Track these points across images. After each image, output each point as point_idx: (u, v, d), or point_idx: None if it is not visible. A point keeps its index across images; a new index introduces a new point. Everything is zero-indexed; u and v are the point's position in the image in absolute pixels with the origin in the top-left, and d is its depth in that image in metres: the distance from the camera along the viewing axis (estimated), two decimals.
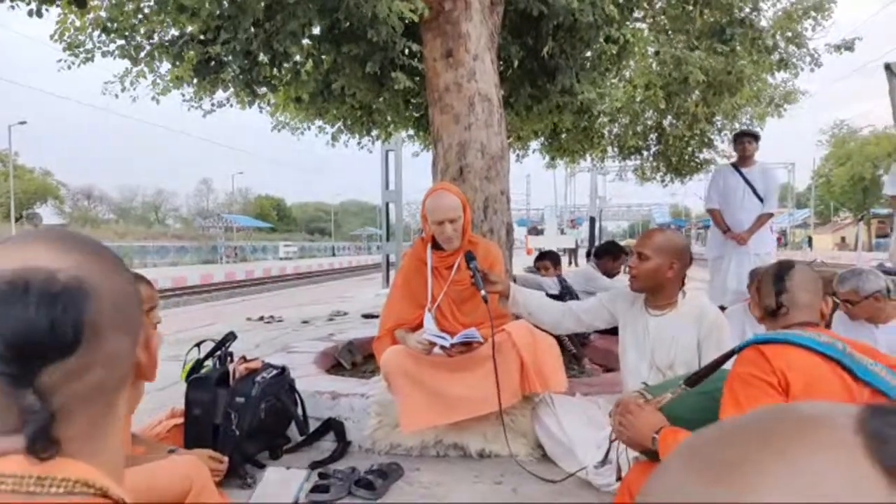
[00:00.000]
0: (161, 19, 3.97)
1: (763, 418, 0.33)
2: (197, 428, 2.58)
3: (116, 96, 4.79)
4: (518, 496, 2.49)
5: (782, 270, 1.61)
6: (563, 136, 7.65)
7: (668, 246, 2.32)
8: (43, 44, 4.56)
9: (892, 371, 1.38)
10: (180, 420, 2.63)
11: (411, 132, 7.32)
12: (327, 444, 3.00)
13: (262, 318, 6.86)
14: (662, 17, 5.60)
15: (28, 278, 0.56)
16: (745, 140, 5.02)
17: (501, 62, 4.68)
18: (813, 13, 5.47)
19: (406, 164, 10.17)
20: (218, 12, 3.68)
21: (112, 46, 4.23)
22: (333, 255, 51.44)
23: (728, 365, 1.54)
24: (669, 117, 7.86)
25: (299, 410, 2.95)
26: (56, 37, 4.23)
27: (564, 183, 32.71)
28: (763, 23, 5.45)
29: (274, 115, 6.60)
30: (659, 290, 2.36)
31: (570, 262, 21.00)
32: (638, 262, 2.33)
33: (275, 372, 2.90)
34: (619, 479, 1.86)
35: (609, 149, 9.19)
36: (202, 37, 4.11)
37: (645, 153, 9.28)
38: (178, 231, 52.02)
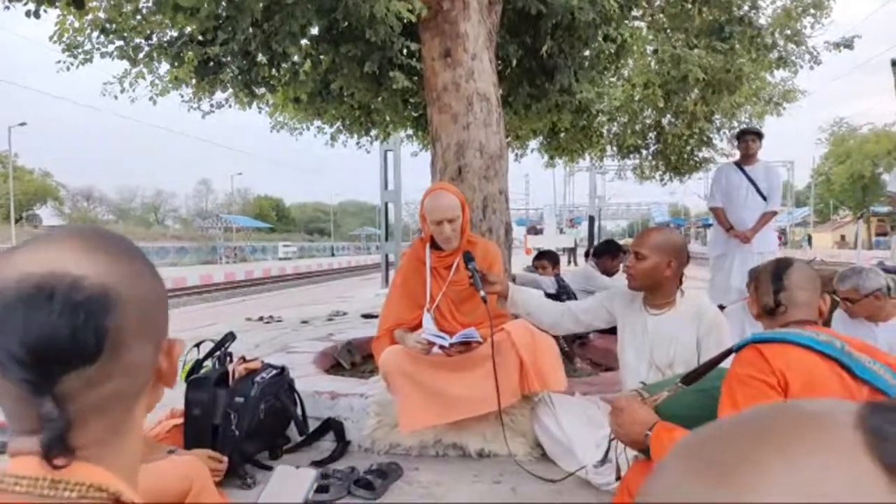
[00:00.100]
0: (159, 20, 3.97)
1: (762, 416, 0.33)
2: (196, 428, 2.58)
3: (116, 97, 4.80)
4: (517, 496, 2.49)
5: (780, 268, 1.61)
6: (562, 135, 7.65)
7: (666, 244, 2.32)
8: (42, 45, 4.56)
9: (890, 369, 1.38)
10: (180, 420, 2.63)
11: (410, 132, 7.32)
12: (327, 444, 3.00)
13: (261, 319, 6.85)
14: (661, 15, 5.59)
15: (54, 285, 0.55)
16: (748, 138, 5.00)
17: (500, 61, 4.68)
18: (812, 11, 5.46)
19: (405, 163, 10.15)
20: (216, 13, 3.68)
21: (111, 47, 4.23)
22: (332, 255, 51.40)
23: (726, 364, 1.54)
24: (668, 116, 7.86)
25: (298, 410, 2.95)
26: (55, 38, 4.23)
27: (563, 182, 32.73)
28: (762, 21, 5.45)
29: (273, 116, 6.60)
30: (657, 288, 2.36)
31: (569, 262, 20.97)
32: (635, 262, 2.33)
33: (274, 372, 2.90)
34: (618, 478, 1.85)
35: (608, 148, 9.19)
36: (200, 37, 4.11)
37: (644, 152, 9.28)
38: (178, 232, 52.06)
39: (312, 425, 3.01)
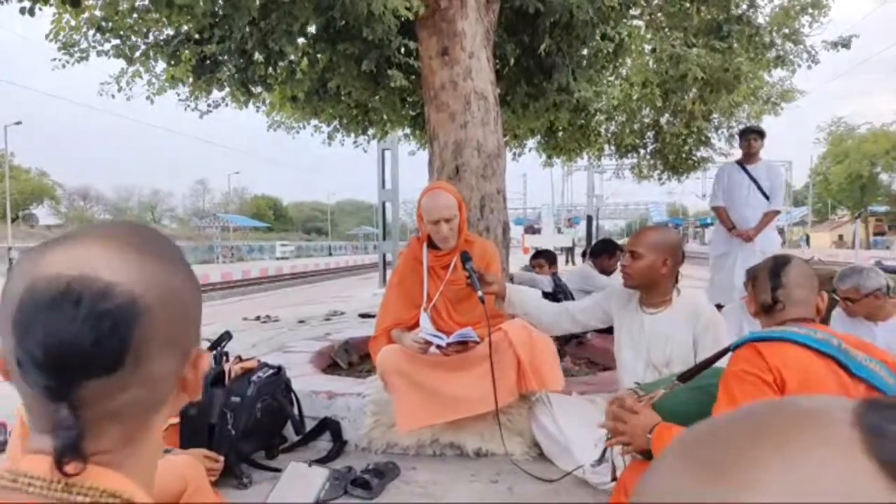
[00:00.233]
0: (156, 18, 3.96)
1: (758, 413, 0.32)
2: (192, 428, 2.57)
3: (113, 97, 4.79)
4: (514, 495, 2.48)
5: (778, 266, 1.61)
6: (560, 134, 7.65)
7: (661, 242, 2.32)
8: (39, 44, 4.55)
9: (886, 366, 1.38)
10: (176, 420, 2.61)
11: (407, 131, 7.32)
12: (323, 444, 2.99)
13: (258, 318, 6.84)
14: (659, 14, 5.59)
15: (81, 290, 0.54)
16: (750, 137, 4.99)
17: (497, 60, 4.67)
18: (810, 10, 5.47)
19: (402, 162, 10.14)
20: (213, 10, 3.67)
21: (107, 46, 4.22)
22: (330, 254, 51.39)
23: (723, 362, 1.54)
24: (666, 115, 7.86)
25: (295, 410, 2.95)
26: (51, 36, 4.21)
27: (561, 181, 32.76)
28: (760, 20, 5.45)
29: (269, 115, 6.59)
30: (653, 286, 2.36)
31: (566, 261, 20.97)
32: (631, 261, 2.33)
33: (271, 371, 2.89)
34: (614, 478, 1.85)
35: (606, 147, 9.19)
36: (197, 36, 4.11)
37: (642, 151, 9.27)
38: (175, 231, 51.98)
39: (309, 425, 3.01)
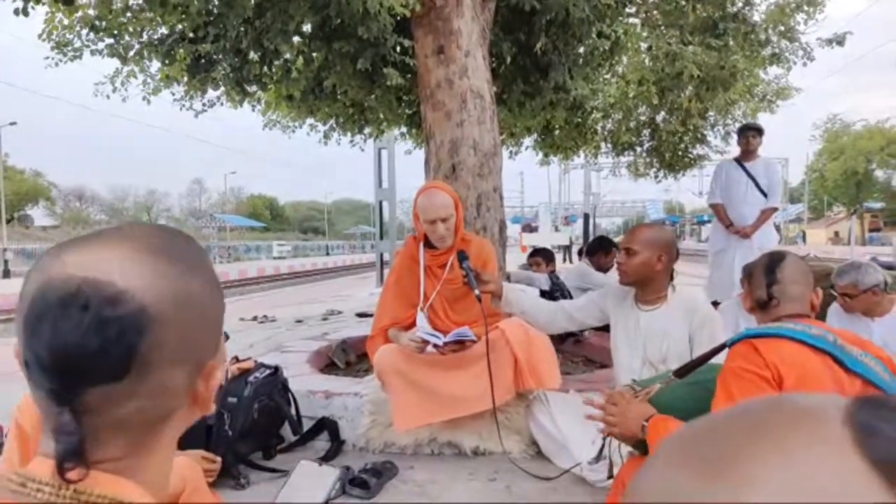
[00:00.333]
0: (150, 17, 3.95)
1: (756, 410, 0.32)
2: (189, 429, 2.56)
3: (108, 97, 4.77)
4: (512, 493, 2.49)
5: (773, 262, 1.61)
6: (556, 132, 7.63)
7: (656, 239, 2.34)
8: (33, 44, 4.53)
9: (881, 362, 1.38)
10: None
11: (404, 129, 7.30)
12: (321, 444, 2.99)
13: (255, 318, 6.83)
14: (655, 12, 5.59)
15: (90, 295, 0.53)
16: (749, 134, 4.99)
17: (493, 58, 4.67)
18: (805, 7, 5.47)
19: (399, 161, 10.12)
20: (207, 9, 3.66)
21: (101, 45, 4.20)
22: (327, 253, 51.34)
23: (719, 358, 1.54)
24: (662, 113, 7.87)
25: (293, 410, 2.94)
26: (44, 36, 4.20)
27: (558, 180, 32.79)
28: (756, 17, 5.46)
29: (265, 114, 6.56)
30: (648, 283, 2.37)
31: (564, 259, 20.97)
32: (626, 258, 2.34)
33: (268, 372, 2.89)
34: (610, 476, 1.85)
35: (602, 145, 9.18)
36: (191, 35, 4.09)
37: (638, 149, 9.27)
38: None
39: (307, 425, 3.00)
